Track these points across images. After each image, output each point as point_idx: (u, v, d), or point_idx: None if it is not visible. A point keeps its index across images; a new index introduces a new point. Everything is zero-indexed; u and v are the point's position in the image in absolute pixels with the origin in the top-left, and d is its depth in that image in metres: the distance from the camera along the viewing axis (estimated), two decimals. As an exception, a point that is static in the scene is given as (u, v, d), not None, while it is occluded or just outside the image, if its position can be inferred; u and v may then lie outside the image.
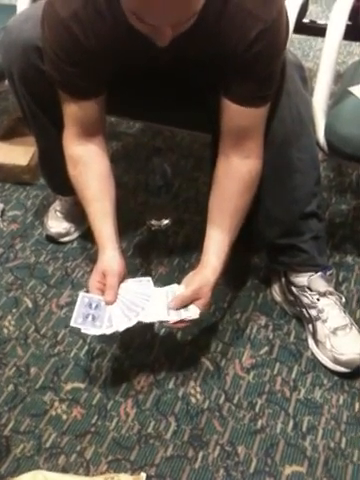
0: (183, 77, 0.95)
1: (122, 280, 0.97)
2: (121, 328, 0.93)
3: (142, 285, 0.99)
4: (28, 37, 0.96)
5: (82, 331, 0.93)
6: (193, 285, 0.95)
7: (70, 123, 0.98)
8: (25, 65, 1.00)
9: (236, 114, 0.92)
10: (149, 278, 1.01)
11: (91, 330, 0.93)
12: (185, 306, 0.95)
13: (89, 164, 1.00)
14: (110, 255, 0.97)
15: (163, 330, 1.11)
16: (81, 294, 0.96)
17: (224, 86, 0.91)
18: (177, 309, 0.94)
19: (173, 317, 0.94)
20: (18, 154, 1.48)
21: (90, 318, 0.93)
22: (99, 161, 1.01)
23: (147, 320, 0.94)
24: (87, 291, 0.99)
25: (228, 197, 0.98)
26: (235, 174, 0.97)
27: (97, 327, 0.93)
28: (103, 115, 1.00)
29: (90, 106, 0.96)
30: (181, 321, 0.94)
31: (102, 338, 1.05)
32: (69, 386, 1.03)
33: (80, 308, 0.94)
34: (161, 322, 0.97)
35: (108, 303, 0.95)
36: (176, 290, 0.98)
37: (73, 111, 0.96)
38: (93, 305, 0.94)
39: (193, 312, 0.94)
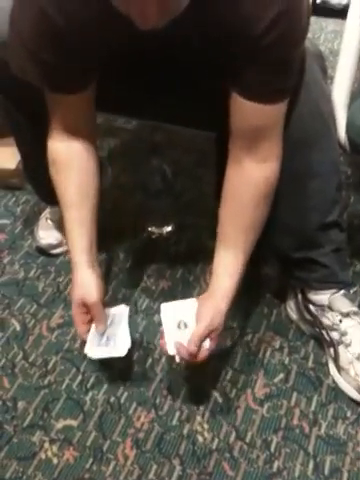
0: (181, 72, 0.82)
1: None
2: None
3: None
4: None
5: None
6: (205, 320, 0.83)
7: (53, 118, 0.88)
8: None
9: (250, 112, 0.79)
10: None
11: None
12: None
13: (69, 163, 0.90)
14: (85, 278, 0.89)
15: (164, 357, 0.99)
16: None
17: (235, 81, 0.77)
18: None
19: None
20: (5, 157, 1.35)
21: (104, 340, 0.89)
22: (81, 160, 0.90)
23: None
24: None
25: (242, 209, 0.85)
26: (250, 182, 0.84)
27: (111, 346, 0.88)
28: (90, 112, 0.88)
29: (74, 101, 0.84)
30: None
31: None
32: (61, 424, 0.91)
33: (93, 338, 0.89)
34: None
35: (101, 330, 0.88)
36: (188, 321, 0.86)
37: (55, 105, 0.85)
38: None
39: (209, 345, 0.84)
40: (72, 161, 0.90)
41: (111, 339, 0.89)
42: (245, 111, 0.79)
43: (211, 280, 0.88)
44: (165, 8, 0.63)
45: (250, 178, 0.84)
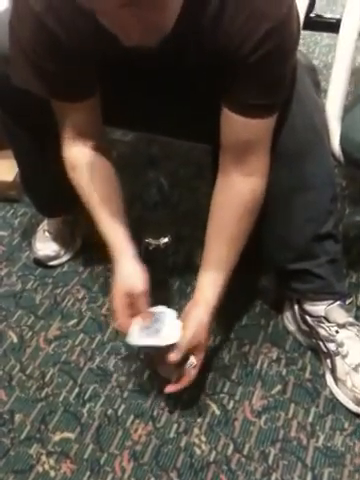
0: (177, 85, 0.83)
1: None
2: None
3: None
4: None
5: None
6: (189, 333, 0.85)
7: (63, 126, 0.88)
8: None
9: (238, 126, 0.80)
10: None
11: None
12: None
13: (90, 164, 0.90)
14: (130, 269, 0.87)
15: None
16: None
17: (225, 95, 0.79)
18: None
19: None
20: (3, 169, 1.36)
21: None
22: (101, 160, 0.91)
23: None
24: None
25: (225, 221, 0.87)
26: (235, 194, 0.85)
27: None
28: (99, 118, 0.89)
29: (81, 108, 0.85)
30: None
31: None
32: (58, 436, 0.91)
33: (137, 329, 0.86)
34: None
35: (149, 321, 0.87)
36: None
37: (63, 113, 0.86)
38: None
39: (192, 360, 0.85)
40: (92, 162, 0.90)
41: (159, 329, 0.86)
42: (233, 124, 0.80)
43: (195, 291, 0.89)
44: (149, 27, 0.63)
45: (237, 190, 0.85)
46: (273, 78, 0.76)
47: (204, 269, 0.89)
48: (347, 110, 1.01)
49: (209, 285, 0.88)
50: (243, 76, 0.75)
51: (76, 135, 0.89)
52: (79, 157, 0.90)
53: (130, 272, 0.87)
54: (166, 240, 1.27)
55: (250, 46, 0.71)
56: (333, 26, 1.00)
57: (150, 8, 0.61)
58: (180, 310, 1.07)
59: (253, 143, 0.82)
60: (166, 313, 0.89)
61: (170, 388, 0.89)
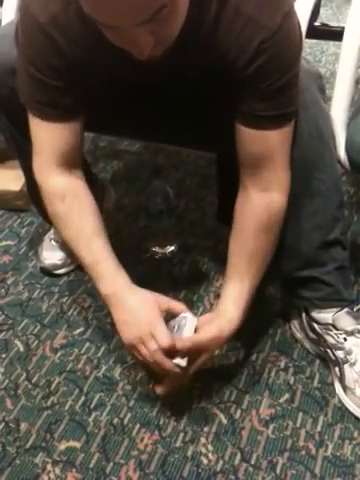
0: (181, 94, 0.83)
1: None
2: None
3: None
4: (3, 57, 0.85)
5: None
6: (210, 333, 0.83)
7: (45, 151, 0.85)
8: None
9: (247, 139, 0.80)
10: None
11: None
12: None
13: (79, 197, 0.87)
14: (141, 304, 0.83)
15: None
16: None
17: (231, 107, 0.78)
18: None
19: None
20: (10, 179, 1.37)
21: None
22: (85, 189, 0.88)
23: None
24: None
25: (244, 238, 0.86)
26: (250, 208, 0.85)
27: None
28: (81, 140, 0.87)
29: (69, 129, 0.83)
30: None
31: None
32: (63, 445, 0.90)
33: None
34: None
35: None
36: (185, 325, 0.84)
37: (49, 136, 0.83)
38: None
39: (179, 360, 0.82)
40: (78, 192, 0.87)
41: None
42: (243, 137, 0.80)
43: (218, 304, 0.88)
44: (160, 39, 0.65)
45: (252, 205, 0.84)
46: (275, 89, 0.75)
47: (226, 282, 0.88)
48: (352, 117, 1.01)
49: (231, 299, 0.86)
50: (246, 87, 0.75)
51: (58, 161, 0.85)
52: (66, 188, 0.86)
53: (145, 309, 0.82)
54: (172, 249, 1.27)
55: (245, 59, 0.71)
56: (339, 35, 1.00)
57: (166, 23, 0.63)
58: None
59: (264, 157, 0.81)
60: (187, 318, 0.86)
61: (158, 388, 0.87)
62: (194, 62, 0.76)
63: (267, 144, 0.79)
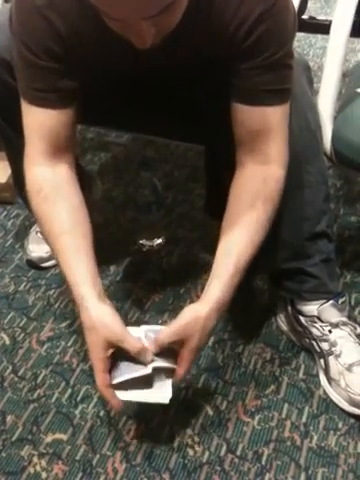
0: (177, 82, 0.82)
1: None
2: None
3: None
4: None
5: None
6: (184, 318, 0.77)
7: (35, 138, 0.82)
8: None
9: (246, 116, 0.79)
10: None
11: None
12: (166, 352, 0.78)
13: (58, 189, 0.82)
14: (101, 314, 0.75)
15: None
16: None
17: (228, 85, 0.78)
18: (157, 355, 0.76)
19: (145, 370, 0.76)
20: (-4, 170, 1.36)
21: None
22: (69, 184, 0.84)
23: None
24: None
25: (239, 207, 0.81)
26: (248, 180, 0.81)
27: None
28: (74, 130, 0.86)
29: (62, 116, 0.81)
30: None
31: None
32: (50, 438, 0.90)
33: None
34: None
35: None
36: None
37: (40, 122, 0.81)
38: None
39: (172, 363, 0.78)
40: (60, 186, 0.83)
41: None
42: (241, 115, 0.79)
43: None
44: (162, 28, 0.66)
45: (248, 178, 0.82)
46: (273, 62, 0.75)
47: (216, 260, 0.81)
48: (339, 110, 1.01)
49: (216, 276, 0.80)
50: (243, 62, 0.75)
51: (47, 149, 0.82)
52: (47, 178, 0.82)
53: (104, 319, 0.75)
54: (160, 241, 1.27)
55: (244, 29, 0.72)
56: (326, 28, 1.00)
57: (171, 14, 0.64)
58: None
59: (264, 133, 0.79)
60: (153, 326, 0.82)
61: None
62: (194, 41, 0.75)
63: (266, 120, 0.78)
